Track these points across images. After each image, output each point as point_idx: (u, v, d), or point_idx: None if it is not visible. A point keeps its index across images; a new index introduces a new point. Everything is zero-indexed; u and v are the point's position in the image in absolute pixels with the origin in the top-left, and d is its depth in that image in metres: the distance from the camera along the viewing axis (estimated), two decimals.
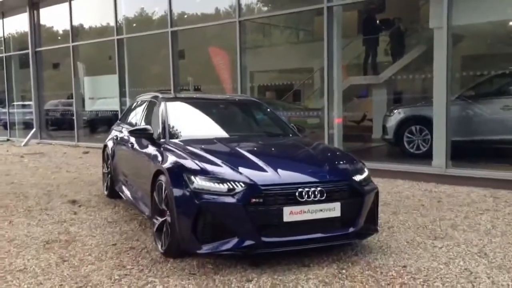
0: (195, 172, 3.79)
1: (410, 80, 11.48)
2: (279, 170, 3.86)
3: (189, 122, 5.14)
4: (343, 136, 9.18)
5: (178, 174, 3.85)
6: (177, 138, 4.76)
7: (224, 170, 3.82)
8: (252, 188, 3.65)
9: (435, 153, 7.66)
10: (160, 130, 4.85)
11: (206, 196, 3.65)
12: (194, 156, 4.07)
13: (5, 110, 16.78)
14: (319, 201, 3.74)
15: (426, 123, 8.41)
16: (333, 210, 3.79)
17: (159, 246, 4.12)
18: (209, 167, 3.85)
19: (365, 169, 4.33)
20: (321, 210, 3.75)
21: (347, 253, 4.14)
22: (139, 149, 5.06)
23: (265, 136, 5.41)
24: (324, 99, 8.91)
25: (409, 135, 9.02)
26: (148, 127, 4.93)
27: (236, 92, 10.26)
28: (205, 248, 3.64)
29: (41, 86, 15.16)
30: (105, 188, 6.68)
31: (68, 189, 7.21)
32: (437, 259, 4.00)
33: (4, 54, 16.13)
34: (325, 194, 3.77)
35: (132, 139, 5.38)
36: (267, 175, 3.79)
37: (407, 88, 13.19)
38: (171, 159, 4.11)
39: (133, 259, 4.02)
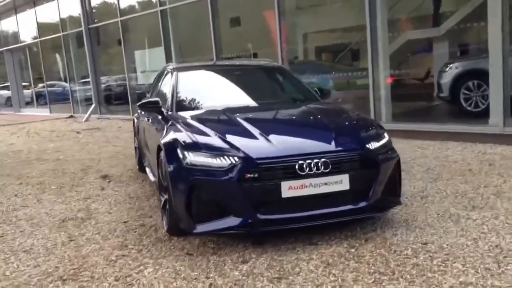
0: (188, 147, 3.53)
1: (475, 30, 10.40)
2: (278, 141, 3.51)
3: (201, 92, 4.88)
4: (397, 96, 8.53)
5: (173, 149, 3.62)
6: (186, 110, 4.53)
7: (218, 143, 3.54)
8: (246, 162, 3.34)
9: (492, 110, 6.88)
10: (169, 102, 4.64)
11: (198, 172, 3.39)
12: (190, 129, 3.81)
13: (68, 88, 17.44)
14: (323, 174, 3.37)
15: (485, 77, 7.55)
16: (340, 183, 3.41)
17: (164, 224, 3.96)
18: (202, 140, 3.58)
19: (384, 135, 3.88)
20: (325, 184, 3.38)
21: (364, 228, 3.76)
22: (151, 123, 4.90)
23: (280, 103, 4.98)
24: (367, 58, 8.28)
25: (466, 92, 8.16)
26: (157, 99, 4.72)
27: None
28: (199, 228, 3.41)
29: (97, 62, 15.51)
30: (137, 162, 6.65)
31: (106, 164, 7.29)
32: (467, 234, 3.52)
33: (61, 33, 16.63)
34: (330, 166, 3.38)
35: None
36: (264, 147, 3.46)
37: (471, 39, 12.03)
38: (169, 133, 3.89)
39: (138, 238, 3.90)
